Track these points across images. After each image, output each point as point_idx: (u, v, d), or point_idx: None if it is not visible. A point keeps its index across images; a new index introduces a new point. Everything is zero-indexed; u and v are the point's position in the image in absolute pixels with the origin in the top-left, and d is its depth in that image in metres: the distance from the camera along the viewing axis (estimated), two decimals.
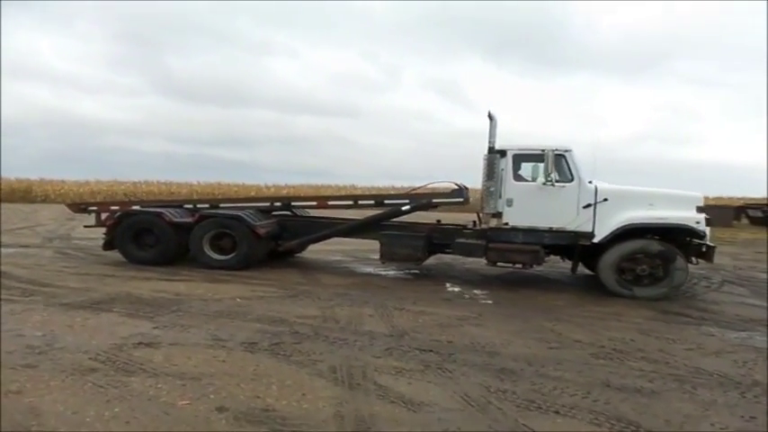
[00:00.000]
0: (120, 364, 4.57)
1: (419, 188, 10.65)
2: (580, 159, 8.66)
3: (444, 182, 10.11)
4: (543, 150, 8.46)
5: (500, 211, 8.78)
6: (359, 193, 26.76)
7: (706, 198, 9.08)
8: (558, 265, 10.35)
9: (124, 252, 10.15)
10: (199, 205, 10.96)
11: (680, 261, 8.05)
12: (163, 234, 9.88)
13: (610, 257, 8.26)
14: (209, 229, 9.78)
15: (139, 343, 5.16)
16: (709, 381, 4.58)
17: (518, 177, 8.78)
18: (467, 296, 8.06)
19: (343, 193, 29.45)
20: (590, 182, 8.56)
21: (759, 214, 25.36)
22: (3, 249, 11.77)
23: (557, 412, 3.83)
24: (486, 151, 8.83)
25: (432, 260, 10.33)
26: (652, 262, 8.10)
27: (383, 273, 10.05)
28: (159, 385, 4.12)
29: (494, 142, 8.80)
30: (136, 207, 10.77)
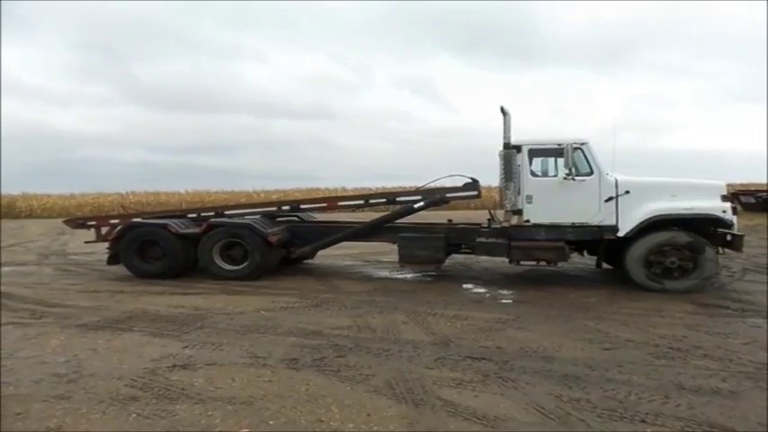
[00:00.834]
0: (159, 389, 4.24)
1: (429, 184, 10.28)
2: (599, 152, 8.50)
3: (454, 176, 9.81)
4: (561, 144, 8.27)
5: (520, 207, 8.56)
6: (347, 194, 26.34)
7: None
8: (573, 261, 10.16)
9: (129, 266, 9.74)
10: (203, 214, 10.60)
11: (709, 252, 7.90)
12: (169, 246, 9.50)
13: (636, 251, 8.08)
14: (218, 238, 9.42)
15: (174, 365, 4.83)
16: None
17: (533, 172, 8.59)
18: (497, 298, 7.81)
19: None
20: (608, 174, 8.39)
21: (752, 200, 25.54)
22: None
23: (643, 421, 3.60)
24: (501, 147, 8.61)
25: (446, 261, 10.07)
26: (681, 254, 7.94)
27: (401, 276, 9.78)
28: (210, 412, 3.80)
29: (509, 138, 8.57)
30: (138, 219, 10.37)
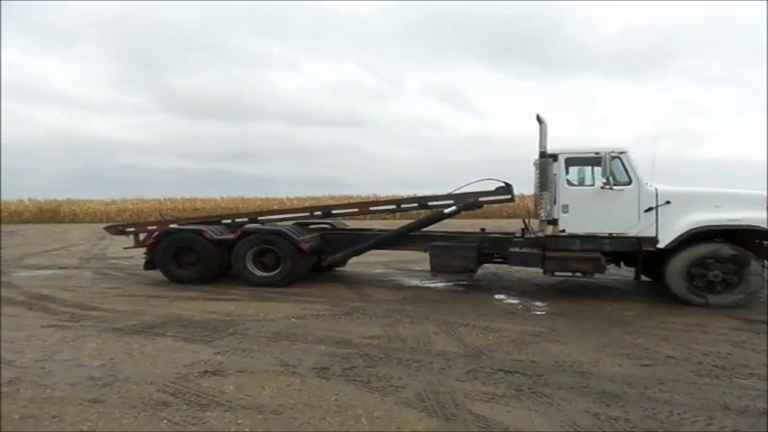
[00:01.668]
0: (190, 396, 4.27)
1: (461, 188, 10.04)
2: (637, 161, 8.26)
3: (487, 180, 9.63)
4: (599, 153, 8.07)
5: (555, 217, 8.37)
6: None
7: None
8: (610, 273, 9.86)
9: (165, 271, 9.93)
10: (237, 220, 10.73)
11: (755, 265, 7.56)
12: (204, 252, 9.64)
13: (678, 263, 7.80)
14: (251, 245, 9.52)
15: (205, 371, 4.86)
16: None
17: (570, 182, 8.40)
18: (530, 309, 7.64)
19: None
20: (648, 184, 8.14)
21: None
22: (41, 272, 11.67)
23: None
24: (536, 156, 8.46)
25: (478, 271, 9.93)
26: (724, 267, 7.62)
27: (432, 285, 9.68)
28: (240, 420, 3.80)
29: (545, 146, 8.41)
30: (174, 225, 10.57)
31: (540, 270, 8.57)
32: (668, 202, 7.95)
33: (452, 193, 9.65)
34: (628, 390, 4.38)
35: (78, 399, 4.22)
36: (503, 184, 9.29)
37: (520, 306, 7.85)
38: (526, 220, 9.80)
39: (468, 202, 9.40)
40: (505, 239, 9.27)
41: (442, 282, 9.87)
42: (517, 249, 8.76)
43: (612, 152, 7.99)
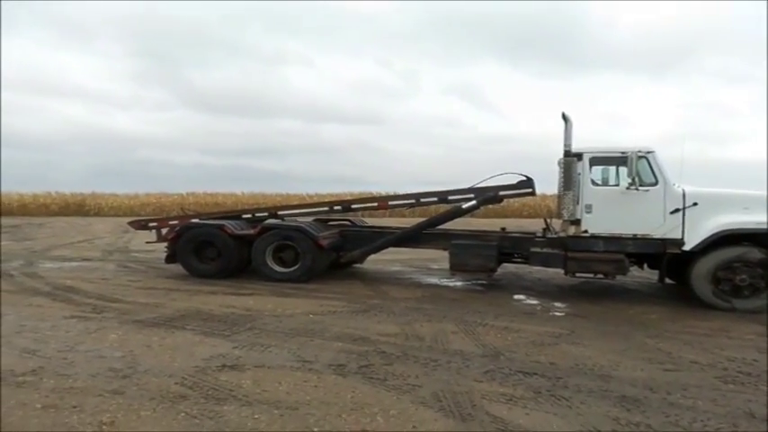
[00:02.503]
0: (208, 389, 4.30)
1: (481, 182, 9.57)
2: (664, 161, 8.09)
3: (508, 174, 9.44)
4: (625, 152, 7.92)
5: (578, 217, 8.24)
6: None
7: None
8: (632, 275, 9.69)
9: (186, 265, 10.03)
10: (258, 214, 10.80)
11: None
12: (225, 247, 9.71)
13: (704, 267, 7.62)
14: (271, 241, 9.56)
15: (223, 365, 4.89)
16: None
17: (594, 181, 8.27)
18: (550, 310, 7.54)
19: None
20: (675, 185, 7.97)
21: None
22: (66, 263, 11.90)
23: None
24: (560, 155, 8.32)
25: (498, 270, 9.82)
26: (752, 271, 7.42)
27: (450, 284, 9.62)
28: (256, 415, 3.81)
29: (569, 145, 8.26)
30: (195, 220, 10.67)
31: (561, 271, 8.46)
32: (695, 204, 7.78)
33: (472, 186, 9.53)
34: (649, 395, 4.29)
35: (99, 389, 4.27)
36: (524, 178, 9.17)
37: (539, 307, 7.75)
38: (548, 220, 9.68)
39: (488, 196, 9.30)
40: (526, 239, 9.17)
41: (460, 281, 9.80)
42: (538, 249, 8.65)
43: (639, 152, 7.84)
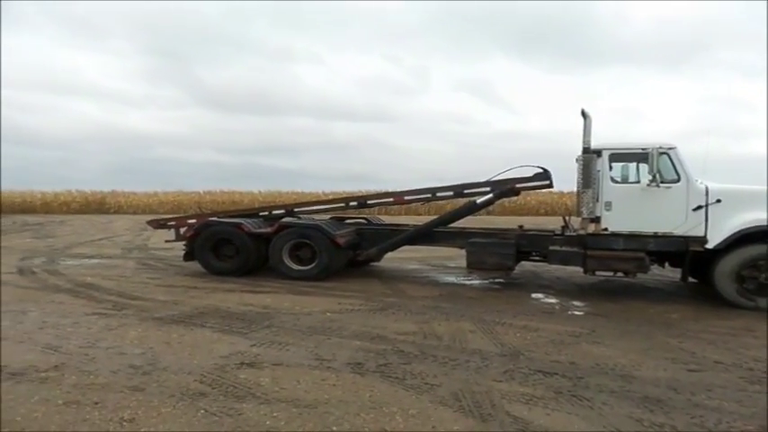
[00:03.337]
0: (227, 387, 4.31)
1: (497, 176, 9.42)
2: (686, 157, 7.94)
3: (524, 166, 9.32)
4: (645, 149, 7.79)
5: (597, 215, 8.13)
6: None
7: None
8: (653, 273, 9.53)
9: (204, 263, 10.10)
10: (274, 212, 10.84)
11: None
12: (242, 245, 9.76)
13: (727, 265, 7.47)
14: (288, 239, 9.59)
15: (242, 363, 4.91)
16: None
17: (613, 178, 8.14)
18: (569, 309, 7.46)
19: None
20: (698, 181, 7.82)
21: None
22: (87, 260, 12.07)
23: None
24: (580, 151, 8.21)
25: (516, 269, 9.73)
26: None
27: (468, 282, 9.56)
28: (275, 414, 3.81)
29: (588, 141, 8.16)
30: (213, 218, 10.74)
31: (580, 269, 8.35)
32: (719, 201, 7.62)
33: (489, 180, 9.44)
34: (673, 395, 4.21)
35: (119, 386, 4.31)
36: (540, 170, 9.07)
37: (558, 305, 7.67)
38: (567, 218, 9.56)
39: (504, 189, 9.21)
40: (545, 237, 9.07)
41: (478, 279, 9.74)
42: (557, 247, 8.55)
43: (660, 148, 7.70)
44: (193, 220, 11.02)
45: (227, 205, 30.59)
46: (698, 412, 3.88)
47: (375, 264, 11.20)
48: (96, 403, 3.96)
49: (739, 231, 7.36)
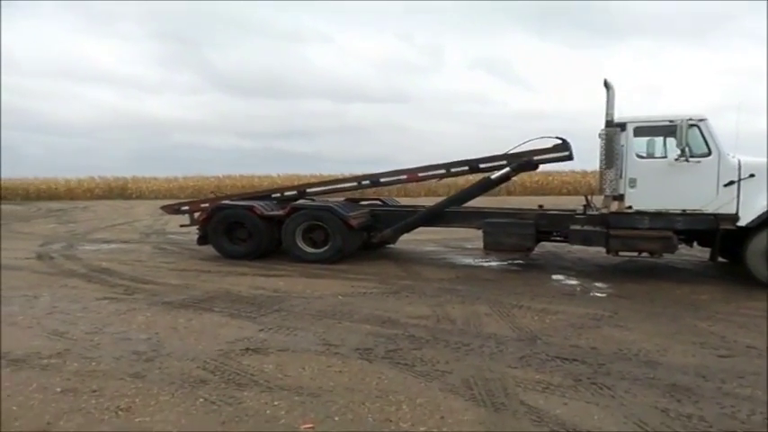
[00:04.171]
0: (230, 374, 4.16)
1: (515, 148, 9.10)
2: (717, 129, 7.50)
3: (542, 138, 8.94)
4: (673, 121, 7.37)
5: (621, 192, 7.76)
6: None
7: None
8: (680, 253, 9.11)
9: (217, 246, 10.00)
10: (286, 193, 10.67)
11: None
12: (255, 228, 9.62)
13: (760, 244, 7.08)
14: (301, 221, 9.42)
15: (247, 349, 4.75)
16: None
17: (638, 153, 7.75)
18: (590, 291, 7.15)
19: None
20: (731, 155, 7.39)
21: None
22: (105, 245, 12.10)
23: None
24: (603, 126, 7.82)
25: (535, 250, 9.41)
26: None
27: (485, 264, 9.30)
28: (276, 402, 3.64)
29: (612, 114, 7.76)
30: (226, 201, 10.61)
31: (603, 250, 8.02)
32: (752, 176, 7.20)
33: (505, 153, 9.07)
34: (702, 383, 3.92)
35: (120, 373, 4.20)
36: (559, 141, 8.70)
37: (579, 287, 7.37)
38: (589, 197, 9.19)
39: (522, 162, 8.86)
40: (565, 216, 8.73)
41: (496, 261, 9.46)
42: (578, 227, 8.21)
43: (690, 120, 7.28)
44: (206, 205, 10.92)
45: (247, 189, 30.56)
46: (729, 402, 3.60)
47: (391, 246, 10.98)
48: (94, 391, 3.84)
49: None
